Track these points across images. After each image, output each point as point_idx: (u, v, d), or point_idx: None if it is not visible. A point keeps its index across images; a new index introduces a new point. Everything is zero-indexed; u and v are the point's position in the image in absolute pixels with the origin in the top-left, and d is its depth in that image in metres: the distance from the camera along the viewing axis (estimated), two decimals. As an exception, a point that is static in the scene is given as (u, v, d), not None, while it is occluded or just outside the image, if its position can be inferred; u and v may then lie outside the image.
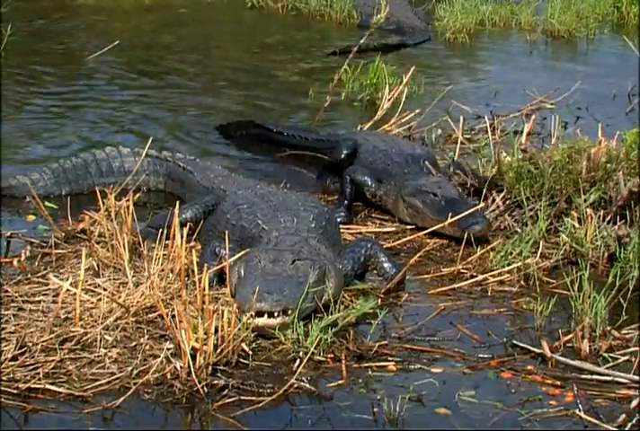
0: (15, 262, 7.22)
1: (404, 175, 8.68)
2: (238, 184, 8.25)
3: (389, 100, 11.14)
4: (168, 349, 6.02)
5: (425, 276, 7.47)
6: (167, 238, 6.95)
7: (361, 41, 11.77)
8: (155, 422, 5.55)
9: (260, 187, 8.10)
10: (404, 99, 11.11)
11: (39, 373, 5.83)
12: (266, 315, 6.17)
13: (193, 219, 7.81)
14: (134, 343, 6.20)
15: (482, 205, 8.09)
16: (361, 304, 6.60)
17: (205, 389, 5.76)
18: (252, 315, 6.14)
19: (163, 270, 6.80)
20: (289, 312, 6.21)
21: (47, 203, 8.13)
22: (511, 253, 7.51)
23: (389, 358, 6.22)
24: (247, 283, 6.41)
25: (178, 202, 7.28)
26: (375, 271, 7.36)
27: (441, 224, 7.96)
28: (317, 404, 5.71)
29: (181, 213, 7.52)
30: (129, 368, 5.92)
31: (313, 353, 6.09)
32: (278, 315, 6.18)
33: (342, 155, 9.32)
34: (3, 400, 5.61)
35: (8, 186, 8.74)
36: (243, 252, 6.76)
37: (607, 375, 6.03)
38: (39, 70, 13.33)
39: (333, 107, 11.66)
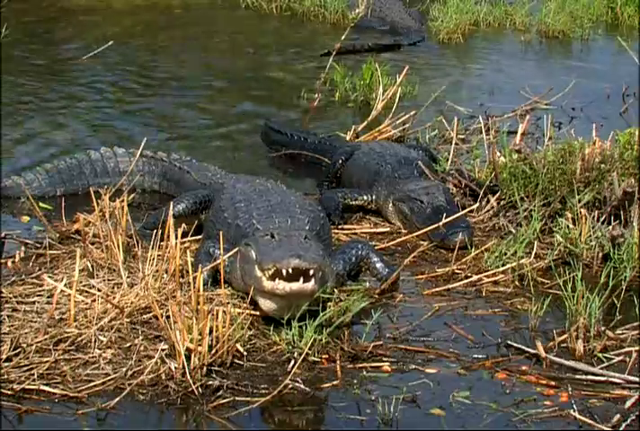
0: (10, 263, 7.21)
1: (395, 179, 8.66)
2: (237, 179, 8.22)
3: (383, 100, 11.14)
4: (163, 350, 6.02)
5: (420, 276, 7.47)
6: (162, 239, 6.93)
7: (342, 38, 11.71)
8: (150, 423, 5.54)
9: (259, 182, 8.06)
10: (397, 99, 11.11)
11: (33, 374, 5.83)
12: (302, 279, 6.14)
13: (186, 211, 7.82)
14: (128, 344, 6.19)
15: (467, 210, 8.03)
16: (354, 298, 6.56)
17: (199, 389, 5.76)
18: (284, 276, 6.13)
19: (157, 271, 6.79)
20: (319, 274, 6.19)
21: (41, 204, 8.10)
22: (506, 254, 7.52)
23: (384, 359, 6.22)
24: (271, 248, 6.35)
25: (171, 202, 7.26)
26: (368, 272, 7.35)
27: (421, 232, 7.97)
28: (312, 405, 5.72)
29: (173, 206, 7.52)
30: (124, 369, 5.92)
31: (307, 353, 6.09)
32: (311, 278, 6.14)
33: (340, 162, 9.34)
34: (-2, 401, 5.62)
35: (3, 186, 8.74)
36: (237, 249, 6.72)
37: (601, 376, 6.04)
38: (32, 71, 13.30)
39: (326, 107, 11.64)
